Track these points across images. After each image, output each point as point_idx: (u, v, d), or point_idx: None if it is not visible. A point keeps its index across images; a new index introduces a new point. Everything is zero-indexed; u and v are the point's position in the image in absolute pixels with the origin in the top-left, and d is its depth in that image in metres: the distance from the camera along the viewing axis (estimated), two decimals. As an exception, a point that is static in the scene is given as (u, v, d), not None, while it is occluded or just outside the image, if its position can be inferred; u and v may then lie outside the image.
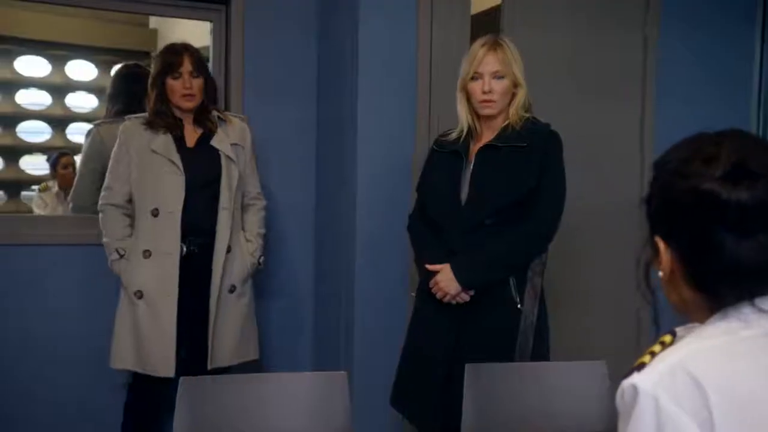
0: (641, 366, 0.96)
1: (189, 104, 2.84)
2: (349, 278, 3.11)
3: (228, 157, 2.89)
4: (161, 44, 5.31)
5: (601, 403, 2.09)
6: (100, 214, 2.88)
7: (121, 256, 2.83)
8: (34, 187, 4.87)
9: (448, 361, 2.41)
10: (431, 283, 2.46)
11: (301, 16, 3.42)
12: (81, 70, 5.37)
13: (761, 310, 0.97)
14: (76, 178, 3.35)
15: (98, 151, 3.14)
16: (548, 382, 2.14)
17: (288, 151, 3.44)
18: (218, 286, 2.84)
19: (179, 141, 2.86)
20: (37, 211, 4.35)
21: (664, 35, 3.42)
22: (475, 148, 2.53)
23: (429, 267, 2.47)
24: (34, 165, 5.24)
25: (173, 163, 2.82)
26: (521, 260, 2.47)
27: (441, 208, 2.51)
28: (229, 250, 2.87)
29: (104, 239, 2.87)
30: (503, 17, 3.24)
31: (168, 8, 3.40)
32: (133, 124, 2.88)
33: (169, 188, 2.81)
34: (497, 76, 2.48)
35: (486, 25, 3.27)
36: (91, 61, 5.36)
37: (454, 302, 2.44)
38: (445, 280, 2.43)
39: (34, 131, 5.25)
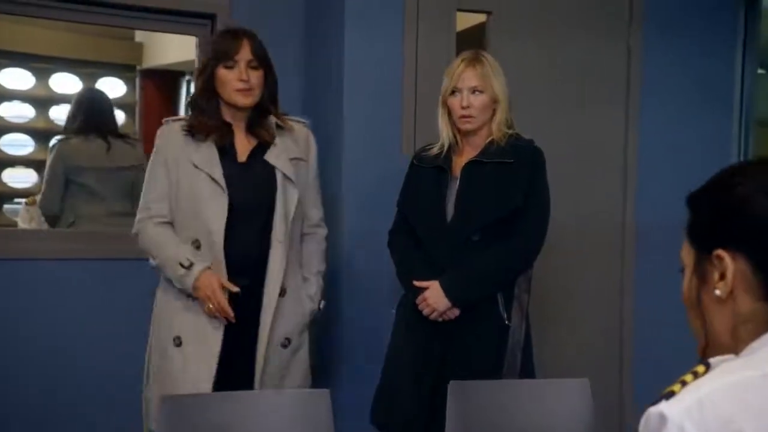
0: (670, 394, 0.94)
1: (245, 101, 2.37)
2: (335, 305, 3.08)
3: (286, 176, 2.41)
4: (147, 58, 5.32)
5: (584, 420, 2.09)
6: (140, 235, 2.43)
7: (189, 267, 2.30)
8: (17, 200, 4.83)
9: (435, 378, 2.41)
10: (419, 300, 2.45)
11: (288, 32, 3.42)
12: (65, 83, 5.35)
13: None
14: (42, 186, 3.60)
15: (60, 164, 3.49)
16: (532, 400, 2.14)
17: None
18: (267, 338, 2.34)
19: (227, 153, 2.39)
20: (22, 225, 4.32)
21: (647, 46, 3.45)
22: (458, 163, 2.53)
23: (417, 283, 2.47)
24: (17, 178, 5.20)
25: (215, 181, 2.33)
26: (509, 276, 2.47)
27: (426, 224, 2.51)
28: (283, 293, 2.38)
29: (155, 260, 2.40)
30: (488, 33, 3.27)
31: (153, 22, 3.40)
32: (170, 128, 2.42)
33: (211, 213, 2.32)
34: (476, 90, 2.49)
35: (472, 42, 3.29)
36: (76, 74, 5.33)
37: (441, 319, 2.44)
38: (434, 297, 2.42)
39: (17, 144, 5.22)
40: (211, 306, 2.28)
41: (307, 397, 1.92)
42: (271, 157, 2.41)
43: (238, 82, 2.34)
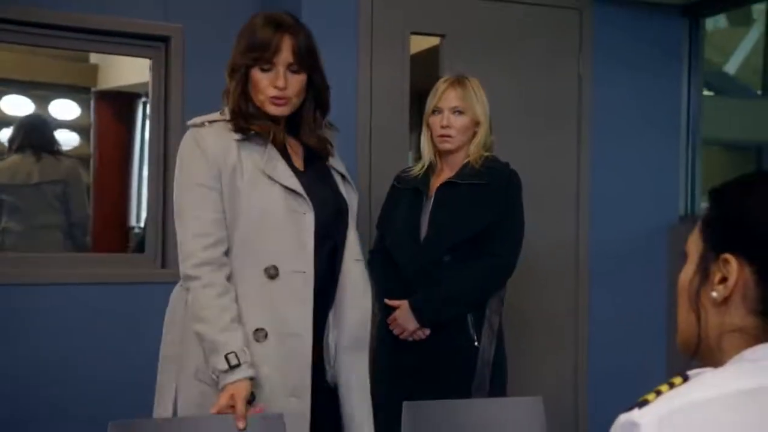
0: (644, 403, 0.92)
1: (276, 111, 1.95)
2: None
3: (350, 186, 2.11)
4: (102, 80, 5.27)
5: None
6: (193, 283, 1.88)
7: (233, 367, 1.82)
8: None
9: (406, 397, 2.41)
10: (389, 320, 2.46)
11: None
12: (16, 105, 5.26)
13: None
14: None
15: None
16: (485, 419, 2.15)
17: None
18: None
19: (286, 159, 1.98)
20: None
21: (597, 73, 3.53)
22: (434, 184, 2.55)
23: (387, 302, 2.48)
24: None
25: (294, 193, 1.93)
26: (479, 297, 2.49)
27: (399, 244, 2.53)
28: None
29: (200, 326, 1.87)
30: (441, 57, 3.31)
31: (106, 45, 3.38)
32: (214, 132, 1.92)
33: (294, 234, 1.92)
34: (456, 111, 2.52)
35: (425, 65, 3.33)
36: (28, 96, 5.26)
37: (411, 339, 2.45)
38: (403, 317, 2.44)
39: (-34, 166, 5.11)
40: (224, 412, 1.83)
41: (262, 421, 1.91)
42: (337, 164, 2.09)
43: (272, 88, 1.93)
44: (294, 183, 1.93)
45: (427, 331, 2.45)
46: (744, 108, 5.02)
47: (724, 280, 0.99)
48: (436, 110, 2.53)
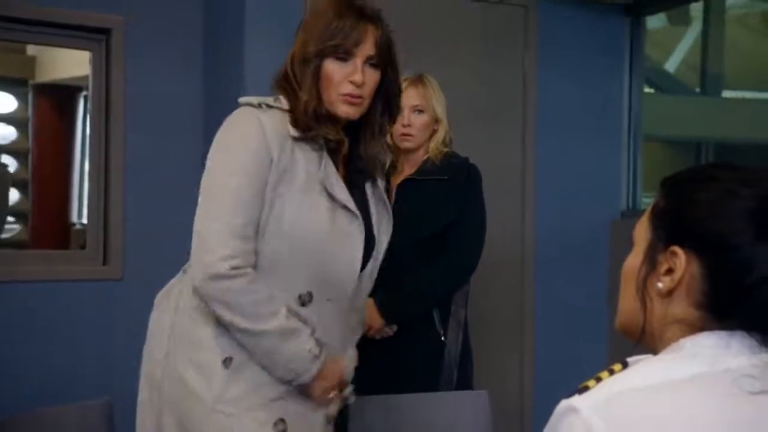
0: (584, 389, 0.94)
1: (348, 110, 1.68)
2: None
3: (386, 210, 1.87)
4: (40, 73, 5.14)
5: (484, 431, 2.13)
6: (219, 296, 1.59)
7: (317, 356, 1.66)
8: None
9: (374, 394, 2.40)
10: None
11: (186, 47, 3.38)
12: (-49, 98, 5.10)
13: (750, 344, 0.96)
14: None
15: None
16: (431, 414, 2.16)
17: (174, 185, 3.37)
18: None
19: (337, 166, 1.74)
20: None
21: (541, 69, 3.58)
22: (395, 182, 2.55)
23: None
24: None
25: (350, 212, 1.70)
26: (444, 293, 2.50)
27: None
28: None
29: (254, 323, 1.61)
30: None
31: (44, 36, 3.29)
32: (274, 118, 1.66)
33: (341, 258, 1.70)
34: (417, 110, 2.53)
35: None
36: (-37, 88, 5.10)
37: (378, 337, 2.45)
38: (369, 315, 2.42)
39: None
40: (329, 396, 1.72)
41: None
42: (379, 186, 1.84)
43: (347, 83, 1.66)
44: (349, 200, 1.69)
45: (395, 328, 2.45)
46: (683, 105, 5.14)
47: (670, 271, 1.00)
48: None
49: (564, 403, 0.94)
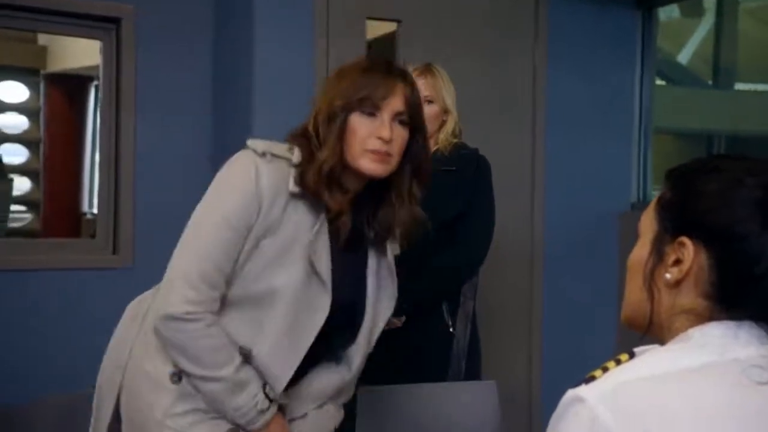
0: (591, 379, 0.94)
1: (375, 168, 1.60)
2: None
3: (391, 278, 1.80)
4: (51, 62, 5.15)
5: (492, 422, 2.13)
6: (183, 325, 1.56)
7: (263, 411, 1.60)
8: None
9: (382, 383, 2.40)
10: None
11: (195, 38, 3.38)
12: (-37, 86, 5.13)
13: (752, 334, 0.96)
14: None
15: None
16: (440, 403, 2.17)
17: (183, 175, 3.38)
18: None
19: (331, 231, 1.65)
20: None
21: (551, 62, 3.56)
22: None
23: None
24: None
25: (322, 283, 1.62)
26: (453, 285, 2.48)
27: None
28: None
29: (204, 370, 1.57)
30: (398, 43, 3.30)
31: (56, 25, 3.30)
32: (275, 170, 1.59)
33: (293, 330, 1.61)
34: (426, 101, 2.50)
35: (382, 51, 3.32)
36: (-25, 78, 5.13)
37: (386, 328, 2.45)
38: None
39: None
40: None
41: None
42: (389, 253, 1.76)
43: (374, 139, 1.58)
44: (326, 270, 1.61)
45: (403, 319, 2.45)
46: (695, 97, 5.10)
47: (677, 262, 1.00)
48: None
49: (570, 393, 0.94)
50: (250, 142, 1.61)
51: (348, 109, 1.59)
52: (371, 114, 1.59)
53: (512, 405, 3.12)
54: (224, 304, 1.59)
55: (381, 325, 1.77)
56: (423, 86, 2.52)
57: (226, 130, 3.33)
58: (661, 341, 1.02)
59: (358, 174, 1.61)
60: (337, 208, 1.60)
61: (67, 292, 3.20)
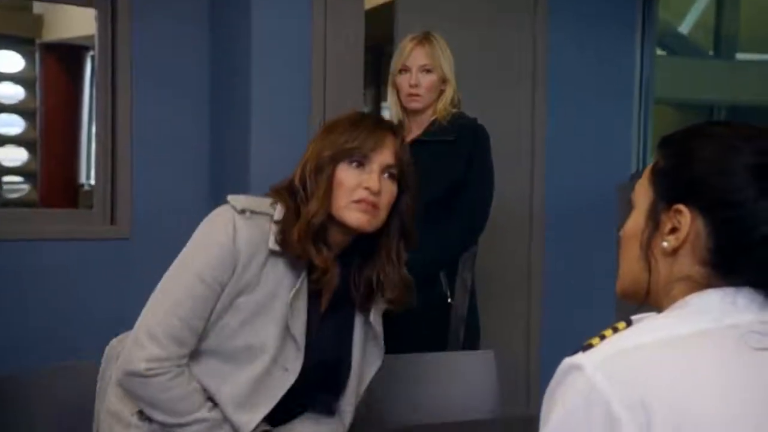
0: (588, 347, 0.94)
1: (362, 222, 1.56)
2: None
3: (376, 346, 1.78)
4: (47, 31, 5.10)
5: (489, 392, 2.14)
6: (140, 385, 1.54)
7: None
8: None
9: None
10: None
11: (192, 6, 3.35)
12: (-42, 57, 5.08)
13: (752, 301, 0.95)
14: None
15: None
16: (437, 373, 2.17)
17: (180, 145, 3.37)
18: None
19: (312, 295, 1.62)
20: None
21: (552, 33, 3.53)
22: None
23: None
24: None
25: (296, 344, 1.59)
26: (451, 255, 2.48)
27: None
28: None
29: (183, 420, 1.55)
30: (396, 13, 3.27)
31: (50, -7, 3.27)
32: (254, 227, 1.55)
33: (260, 388, 1.58)
34: (425, 69, 2.49)
35: (380, 21, 3.29)
36: (-31, 47, 5.08)
37: None
38: None
39: None
40: None
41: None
42: (375, 318, 1.72)
43: (361, 190, 1.55)
44: (301, 333, 1.58)
45: None
46: (696, 68, 5.07)
47: (674, 230, 1.00)
48: (404, 69, 2.50)
49: (567, 361, 0.94)
50: (230, 198, 1.58)
51: (336, 159, 1.56)
52: (360, 165, 1.56)
53: (510, 375, 3.13)
54: (197, 353, 1.56)
55: (369, 378, 1.75)
56: (421, 56, 2.50)
57: (223, 100, 3.30)
58: (659, 310, 1.02)
59: (344, 228, 1.57)
60: (323, 265, 1.56)
61: (64, 263, 3.20)
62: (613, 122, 3.71)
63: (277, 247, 1.54)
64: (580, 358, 0.93)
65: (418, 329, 2.45)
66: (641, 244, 1.03)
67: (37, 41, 5.07)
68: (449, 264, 2.48)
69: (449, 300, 2.47)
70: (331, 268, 1.58)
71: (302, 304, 1.58)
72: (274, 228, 1.55)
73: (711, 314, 0.96)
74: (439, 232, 2.44)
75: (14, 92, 5.04)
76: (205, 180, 3.40)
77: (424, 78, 2.49)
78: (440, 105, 2.52)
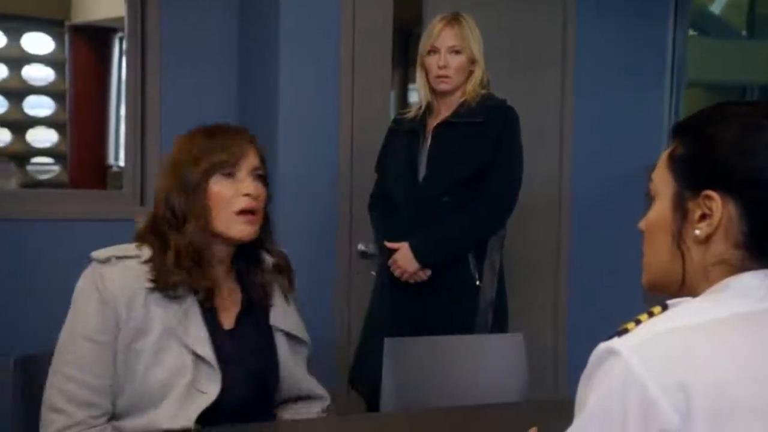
0: (623, 331, 0.93)
1: (249, 230, 1.60)
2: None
3: (297, 349, 1.75)
4: (76, 13, 5.13)
5: (519, 374, 2.13)
6: None
7: None
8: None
9: (409, 335, 2.42)
10: (390, 262, 2.46)
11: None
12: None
13: None
14: None
15: None
16: (467, 355, 2.17)
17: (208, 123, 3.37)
18: None
19: (207, 313, 1.61)
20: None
21: (581, 13, 3.48)
22: (431, 124, 2.52)
23: (388, 245, 2.48)
24: None
25: (203, 360, 1.57)
26: (479, 237, 2.48)
27: (398, 186, 2.52)
28: None
29: None
30: (426, -6, 3.24)
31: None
32: (124, 270, 1.57)
33: (181, 413, 1.54)
34: (454, 50, 2.47)
35: (409, 1, 3.26)
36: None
37: (412, 281, 2.45)
38: (404, 259, 2.43)
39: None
40: None
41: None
42: (281, 318, 1.70)
43: (241, 197, 1.57)
44: (206, 349, 1.55)
45: (428, 272, 2.45)
46: (729, 49, 4.98)
47: (704, 216, 0.98)
48: (433, 50, 2.48)
49: (603, 346, 0.93)
50: (93, 254, 1.60)
51: (208, 174, 1.57)
52: (230, 175, 1.58)
53: (538, 358, 3.12)
54: (120, 413, 1.55)
55: (303, 367, 1.76)
56: (450, 37, 2.48)
57: (252, 82, 3.31)
58: (695, 296, 1.01)
59: (226, 241, 1.60)
60: (209, 285, 1.58)
61: (94, 243, 3.21)
62: (644, 104, 3.66)
63: (152, 284, 1.54)
64: (615, 342, 0.92)
65: (446, 311, 2.46)
66: (673, 235, 1.01)
67: (67, 23, 5.10)
68: (477, 245, 2.47)
69: (477, 282, 2.46)
70: (224, 282, 1.63)
71: (197, 327, 1.56)
72: (145, 267, 1.55)
73: (750, 297, 0.95)
74: (467, 214, 2.44)
75: (44, 74, 5.10)
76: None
77: (453, 59, 2.47)
78: (469, 86, 2.50)
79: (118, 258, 1.57)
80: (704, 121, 1.02)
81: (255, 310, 1.68)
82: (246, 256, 1.68)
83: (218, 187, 1.57)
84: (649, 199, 1.08)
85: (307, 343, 1.76)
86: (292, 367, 1.72)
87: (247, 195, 1.57)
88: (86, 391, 1.51)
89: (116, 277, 1.54)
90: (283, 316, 1.71)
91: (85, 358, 1.52)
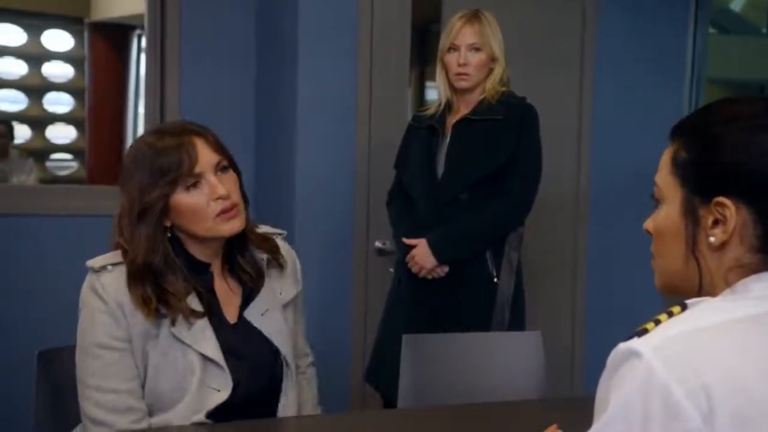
0: (643, 332, 0.92)
1: (232, 227, 1.56)
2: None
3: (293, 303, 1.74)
4: (95, 11, 5.17)
5: (536, 372, 2.13)
6: None
7: None
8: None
9: (426, 332, 2.42)
10: (408, 258, 2.46)
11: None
12: (9, 35, 5.17)
13: None
14: None
15: None
16: (484, 352, 2.17)
17: (228, 124, 3.37)
18: None
19: (212, 312, 1.60)
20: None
21: (601, 9, 3.46)
22: (451, 122, 2.52)
23: (406, 241, 2.48)
24: None
25: (216, 364, 1.57)
26: (497, 234, 2.47)
27: (417, 183, 2.52)
28: None
29: None
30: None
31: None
32: (122, 276, 1.56)
33: (193, 413, 1.55)
34: (473, 48, 2.47)
35: (428, 1, 3.26)
36: (20, 26, 5.17)
37: (429, 277, 2.45)
38: (421, 255, 2.43)
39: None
40: None
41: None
42: (262, 317, 1.65)
43: (215, 202, 1.53)
44: (213, 349, 1.55)
45: (446, 269, 2.45)
46: (749, 46, 4.95)
47: (716, 222, 0.96)
48: (452, 48, 2.48)
49: (623, 347, 0.92)
50: (88, 263, 1.59)
51: (167, 195, 1.51)
52: (195, 185, 1.53)
53: (556, 356, 3.11)
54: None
55: (303, 328, 1.79)
56: (470, 34, 2.48)
57: (270, 79, 3.32)
58: (713, 296, 0.99)
59: (216, 240, 1.58)
60: (209, 287, 1.58)
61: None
62: (662, 102, 3.63)
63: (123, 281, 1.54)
64: (636, 343, 0.91)
65: (464, 309, 2.45)
66: (686, 242, 1.00)
67: (86, 21, 5.14)
68: (495, 242, 2.47)
69: (495, 279, 2.46)
70: (221, 276, 1.61)
71: (201, 326, 1.55)
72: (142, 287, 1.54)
73: None
74: (485, 211, 2.43)
75: (64, 71, 5.14)
76: (252, 156, 3.42)
77: (472, 57, 2.47)
78: (489, 84, 2.50)
79: (114, 265, 1.56)
80: (705, 122, 1.00)
81: (254, 296, 1.66)
82: (231, 244, 1.64)
83: (188, 199, 1.52)
84: (654, 203, 1.06)
85: (299, 291, 1.74)
86: (294, 337, 1.72)
87: (219, 198, 1.53)
88: (121, 398, 1.51)
89: (114, 282, 1.54)
90: (280, 287, 1.69)
91: (107, 365, 1.52)
